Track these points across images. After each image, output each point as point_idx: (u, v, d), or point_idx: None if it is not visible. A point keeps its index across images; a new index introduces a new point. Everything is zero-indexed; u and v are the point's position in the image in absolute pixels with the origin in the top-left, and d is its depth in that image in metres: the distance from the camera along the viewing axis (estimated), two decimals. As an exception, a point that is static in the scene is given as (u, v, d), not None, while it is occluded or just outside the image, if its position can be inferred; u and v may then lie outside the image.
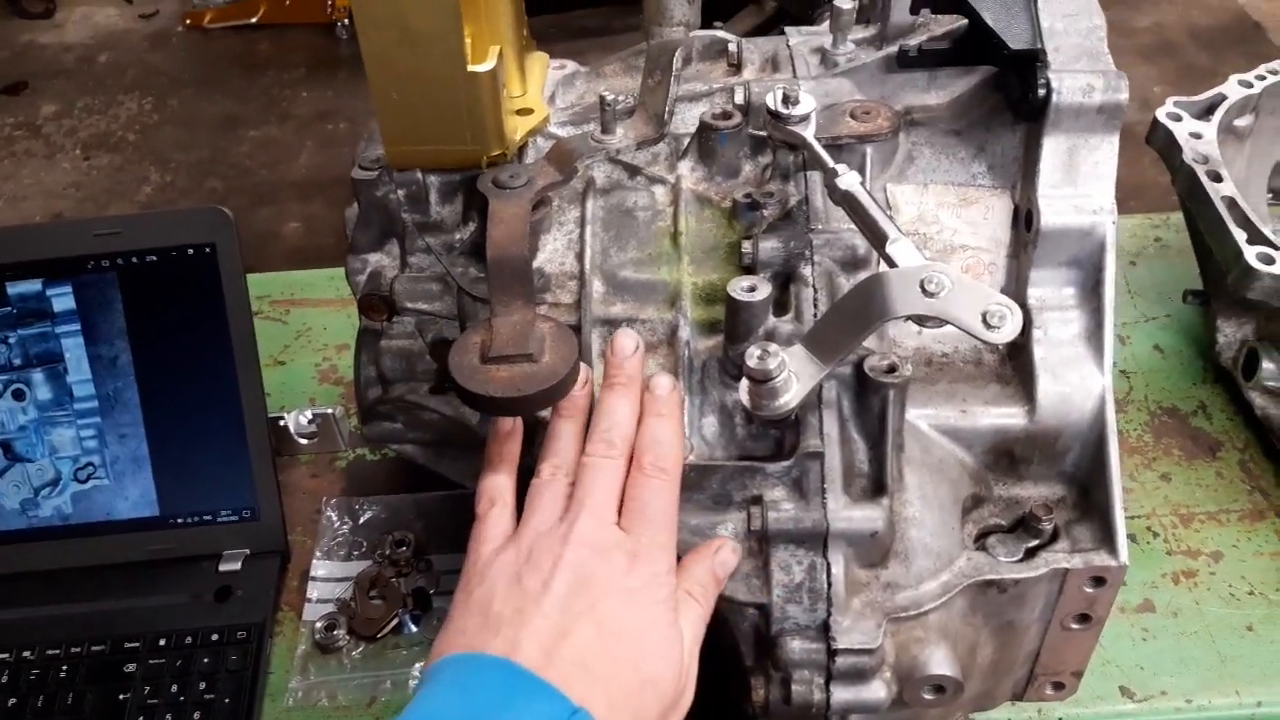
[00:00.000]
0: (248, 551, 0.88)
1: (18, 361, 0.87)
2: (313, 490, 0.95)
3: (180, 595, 0.86)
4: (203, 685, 0.80)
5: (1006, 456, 0.65)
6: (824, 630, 0.59)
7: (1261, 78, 1.01)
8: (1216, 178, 0.91)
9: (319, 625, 0.83)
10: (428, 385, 0.74)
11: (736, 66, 0.75)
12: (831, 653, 0.58)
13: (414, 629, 0.84)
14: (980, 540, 0.63)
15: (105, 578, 0.88)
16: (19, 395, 0.88)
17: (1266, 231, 0.85)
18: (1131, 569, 0.84)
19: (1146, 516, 0.90)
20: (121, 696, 0.80)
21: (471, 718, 0.50)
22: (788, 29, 0.76)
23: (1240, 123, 1.01)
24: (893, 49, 0.68)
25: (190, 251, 0.85)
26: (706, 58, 0.76)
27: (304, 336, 1.09)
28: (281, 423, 0.96)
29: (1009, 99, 0.65)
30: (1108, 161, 0.62)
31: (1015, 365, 0.65)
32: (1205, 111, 0.98)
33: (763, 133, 0.66)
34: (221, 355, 0.86)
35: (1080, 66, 0.62)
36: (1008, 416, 0.63)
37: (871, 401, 0.60)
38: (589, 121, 0.72)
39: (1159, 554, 0.87)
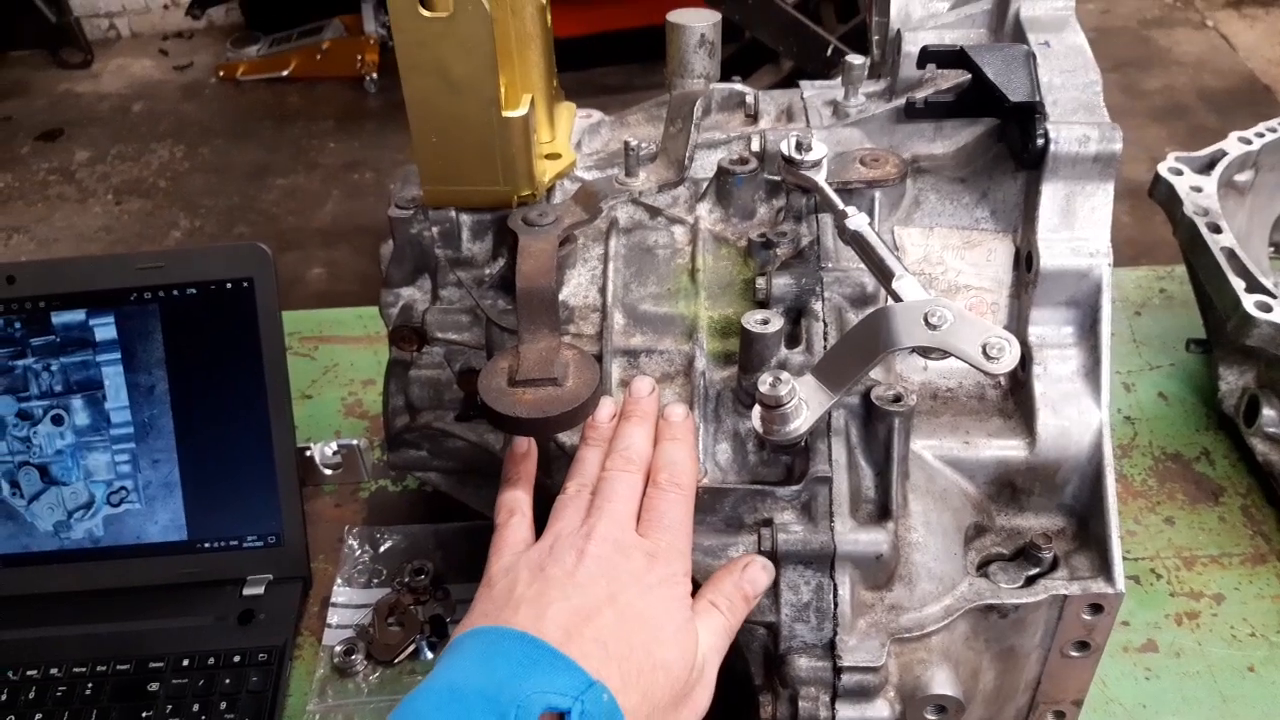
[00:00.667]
0: (271, 577, 0.90)
1: (59, 388, 0.90)
2: (336, 519, 0.98)
3: (205, 617, 0.88)
4: (224, 705, 0.82)
5: (1008, 487, 0.67)
6: (830, 649, 0.61)
7: (1261, 135, 1.05)
8: (1216, 229, 0.94)
9: (338, 649, 0.85)
10: (454, 413, 0.77)
11: (753, 117, 0.79)
12: (837, 671, 0.60)
13: (430, 655, 0.86)
14: (982, 568, 0.66)
15: (132, 599, 0.90)
16: (58, 420, 0.91)
17: (1264, 281, 0.88)
18: (1135, 610, 0.87)
19: (1150, 559, 0.92)
20: (145, 715, 0.82)
21: (493, 685, 0.51)
22: (802, 83, 0.80)
23: (1241, 178, 1.04)
24: (900, 101, 0.71)
25: (229, 286, 0.89)
26: (725, 108, 0.81)
27: (331, 372, 1.12)
28: (308, 453, 0.98)
29: (1010, 148, 0.68)
30: (1103, 207, 0.65)
31: (1016, 400, 0.68)
32: (1206, 166, 1.02)
33: (777, 177, 0.70)
34: (254, 386, 0.89)
35: (1077, 119, 0.65)
36: (1009, 448, 0.66)
37: (878, 429, 0.63)
38: (613, 166, 0.76)
39: (1162, 595, 0.89)
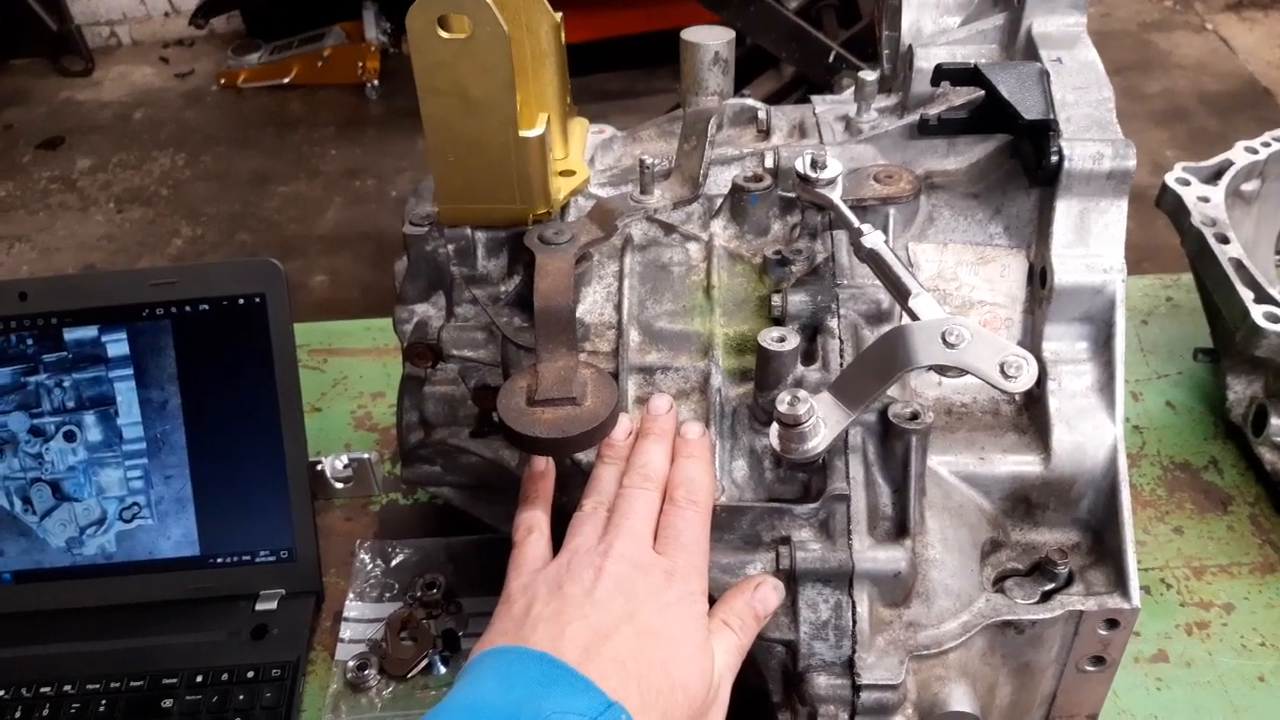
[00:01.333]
0: (284, 592, 0.90)
1: (71, 404, 0.90)
2: (347, 533, 0.98)
3: (218, 633, 0.88)
4: (238, 720, 0.82)
5: (1023, 503, 0.67)
6: (849, 666, 0.61)
7: (1267, 144, 1.05)
8: (1224, 239, 0.94)
9: (350, 664, 0.85)
10: (468, 429, 0.77)
11: (766, 132, 0.79)
12: (856, 688, 0.60)
13: (443, 670, 0.86)
14: (998, 583, 0.66)
15: (145, 615, 0.90)
16: (70, 436, 0.91)
17: (1273, 291, 0.88)
18: (1145, 620, 0.87)
19: (1160, 569, 0.92)
20: (159, 731, 0.82)
21: (510, 706, 0.51)
22: (814, 97, 0.81)
23: (1247, 187, 1.04)
24: (914, 118, 0.72)
25: (241, 301, 0.89)
26: (737, 124, 0.81)
27: (340, 385, 1.12)
28: (319, 467, 0.98)
29: (1024, 165, 0.69)
30: (1117, 223, 0.65)
31: (1031, 415, 0.68)
32: (1213, 176, 1.02)
33: (791, 194, 0.70)
34: (267, 401, 0.89)
35: (1090, 135, 0.65)
36: (1024, 464, 0.66)
37: (895, 447, 0.63)
38: (627, 182, 0.77)
39: (1172, 605, 0.89)
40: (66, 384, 0.91)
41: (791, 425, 0.59)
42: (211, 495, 0.91)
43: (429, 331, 0.76)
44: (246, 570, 0.91)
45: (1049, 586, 0.65)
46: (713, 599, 0.62)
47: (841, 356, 0.66)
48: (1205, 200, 0.98)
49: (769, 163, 0.72)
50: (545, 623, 0.56)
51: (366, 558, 0.94)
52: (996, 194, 0.71)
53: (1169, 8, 3.66)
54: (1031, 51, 0.70)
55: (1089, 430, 0.65)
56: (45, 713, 0.84)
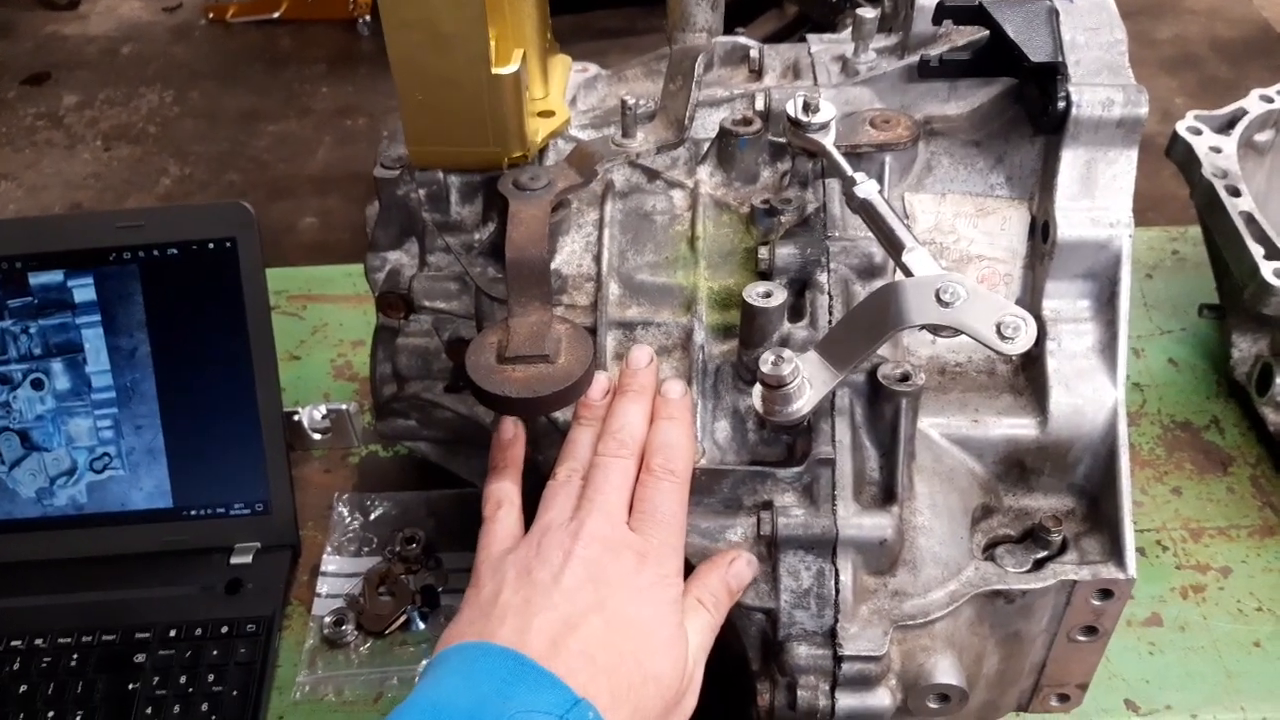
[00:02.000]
0: (259, 545, 0.89)
1: (38, 351, 0.88)
2: (325, 485, 0.96)
3: (191, 587, 0.87)
4: (211, 677, 0.81)
5: (1017, 467, 0.65)
6: (831, 636, 0.59)
7: (1283, 93, 1.01)
8: (1235, 192, 0.91)
9: (328, 620, 0.84)
10: (443, 383, 0.74)
11: (758, 73, 0.75)
12: (838, 659, 0.58)
13: (422, 626, 0.85)
14: (989, 550, 0.64)
15: (118, 568, 0.88)
16: (38, 385, 0.89)
17: (1284, 247, 0.85)
18: (1140, 583, 0.84)
19: (1156, 530, 0.90)
20: (131, 686, 0.80)
21: (475, 704, 0.50)
22: (809, 36, 0.76)
23: (1261, 138, 1.01)
24: (914, 59, 0.68)
25: (211, 246, 0.86)
26: (728, 63, 0.77)
27: (320, 332, 1.10)
28: (295, 418, 0.96)
29: (1029, 111, 0.65)
30: (1126, 175, 0.62)
31: (1028, 376, 0.65)
32: (1226, 126, 0.98)
33: (782, 139, 0.67)
34: (239, 349, 0.87)
35: (1101, 80, 0.62)
36: (1019, 427, 0.63)
37: (884, 409, 0.60)
38: (610, 125, 0.73)
39: (1168, 568, 0.87)
40: (33, 330, 0.88)
41: (775, 386, 0.56)
42: (184, 446, 0.89)
43: (401, 280, 0.73)
44: (221, 523, 0.90)
45: (1041, 554, 0.63)
46: (689, 564, 0.60)
47: (831, 313, 0.62)
48: (1217, 151, 0.94)
49: (760, 105, 0.69)
50: (513, 613, 0.54)
51: (345, 511, 0.93)
52: (999, 142, 0.67)
53: (1184, -51, 3.56)
54: (1040, -12, 0.66)
55: (1088, 393, 0.62)
56: (15, 666, 0.83)
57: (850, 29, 0.71)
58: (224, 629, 0.84)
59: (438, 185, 0.70)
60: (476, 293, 0.69)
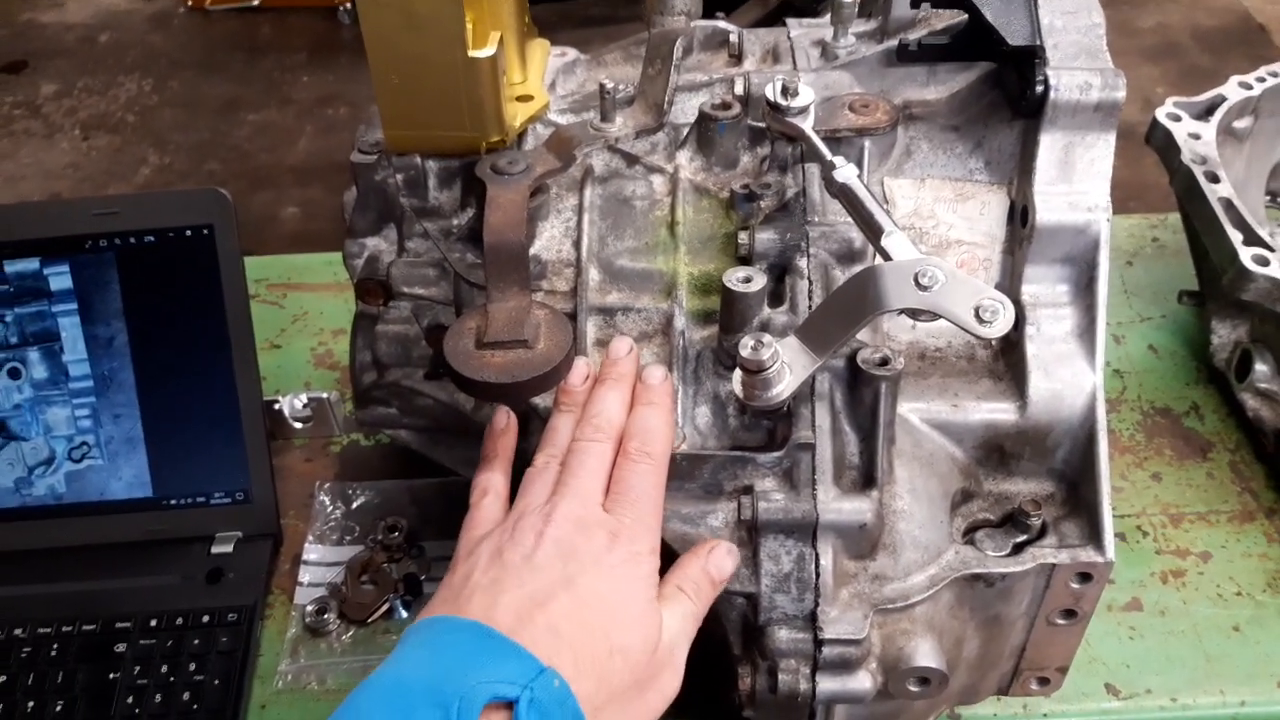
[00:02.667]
0: (240, 534, 0.88)
1: (14, 340, 0.87)
2: (306, 474, 0.95)
3: (172, 576, 0.86)
4: (192, 666, 0.80)
5: (997, 452, 0.65)
6: (811, 620, 0.59)
7: (1262, 79, 1.01)
8: (1214, 179, 0.91)
9: (309, 609, 0.83)
10: (423, 371, 0.74)
11: (737, 57, 0.75)
12: (818, 643, 0.58)
13: (404, 614, 0.84)
14: (969, 534, 0.64)
15: (98, 557, 0.88)
16: (14, 374, 0.88)
17: (1262, 233, 0.86)
18: (1120, 568, 0.86)
19: (1136, 516, 0.90)
20: (112, 676, 0.80)
21: (438, 677, 0.49)
22: (789, 20, 0.76)
23: (1240, 124, 1.01)
24: (893, 43, 0.68)
25: (188, 233, 0.85)
26: (708, 48, 0.77)
27: (300, 321, 1.09)
28: (276, 406, 0.96)
29: (1007, 95, 0.65)
30: (1104, 159, 0.62)
31: (1008, 361, 0.65)
32: (1205, 112, 0.99)
33: (761, 124, 0.66)
34: (217, 337, 0.86)
35: (1079, 64, 0.62)
36: (999, 412, 0.64)
37: (864, 394, 0.60)
38: (589, 109, 0.72)
39: (1148, 553, 0.88)
40: (9, 318, 0.87)
41: (755, 371, 0.56)
42: (163, 435, 0.88)
43: (380, 267, 0.72)
44: (201, 512, 0.89)
45: (1021, 538, 0.63)
46: (671, 551, 0.60)
47: (810, 298, 0.62)
48: (1196, 137, 0.95)
49: (739, 89, 0.68)
50: (481, 592, 0.54)
51: (326, 499, 0.92)
52: (978, 126, 0.67)
53: (1166, -62, 3.57)
54: (1020, -27, 0.66)
55: (1067, 377, 0.63)
56: (-6, 656, 0.82)
57: (830, 13, 0.71)
58: (205, 618, 0.83)
59: (415, 170, 0.69)
60: (455, 278, 0.69)
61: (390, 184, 0.70)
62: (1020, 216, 0.64)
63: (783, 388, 0.56)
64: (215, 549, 0.88)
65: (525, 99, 0.71)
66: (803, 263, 0.64)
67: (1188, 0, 3.27)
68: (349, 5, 3.17)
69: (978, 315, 0.53)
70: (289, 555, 0.89)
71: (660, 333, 0.65)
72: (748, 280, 0.59)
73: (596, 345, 0.65)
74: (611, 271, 0.67)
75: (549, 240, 0.68)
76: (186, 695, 0.79)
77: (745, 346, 0.56)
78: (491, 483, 0.62)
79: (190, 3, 3.35)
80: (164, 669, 0.80)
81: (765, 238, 0.65)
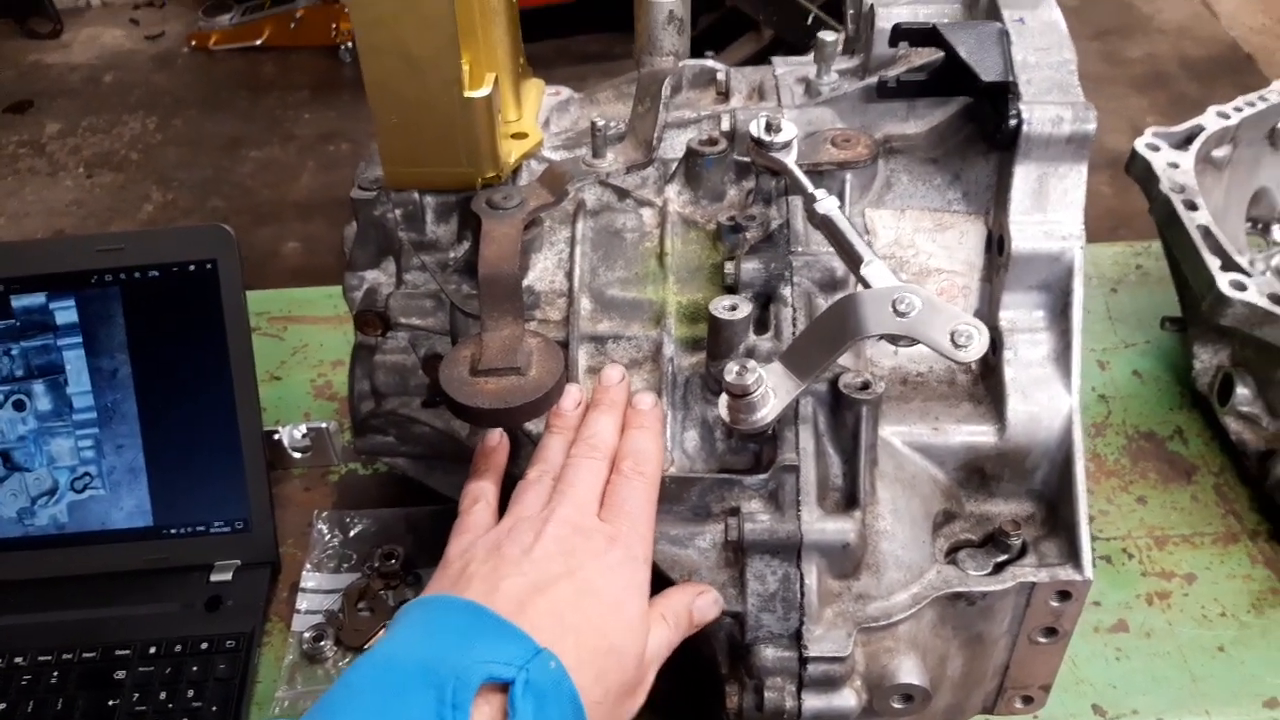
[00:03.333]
0: (239, 562, 0.89)
1: (19, 373, 0.89)
2: (305, 503, 0.97)
3: (171, 604, 0.87)
4: (191, 693, 0.81)
5: (977, 473, 0.67)
6: (796, 639, 0.60)
7: (1239, 109, 1.03)
8: (1192, 206, 0.93)
9: (307, 636, 0.84)
10: (420, 399, 0.76)
11: (725, 94, 0.78)
12: (803, 661, 0.59)
13: (402, 640, 0.85)
14: (951, 554, 0.65)
15: (98, 586, 0.89)
16: (19, 406, 0.90)
17: (1240, 259, 0.87)
18: (1106, 590, 0.87)
19: (1122, 538, 0.92)
20: (111, 703, 0.81)
21: (432, 656, 0.49)
22: (774, 59, 0.79)
23: (1218, 153, 1.03)
24: (873, 80, 0.70)
25: (192, 268, 0.87)
26: (696, 85, 0.79)
27: (300, 353, 1.11)
28: (276, 436, 0.97)
29: (983, 129, 0.67)
30: (1076, 189, 0.64)
31: (987, 385, 0.67)
32: (1184, 142, 1.01)
33: (747, 159, 0.69)
34: (219, 370, 0.88)
35: (1051, 98, 0.64)
36: (979, 434, 0.65)
37: (846, 417, 0.62)
38: (582, 146, 0.75)
39: (1134, 575, 0.89)
40: (15, 352, 0.89)
41: (740, 395, 0.58)
42: (164, 465, 0.90)
43: (378, 299, 0.74)
44: (201, 541, 0.90)
45: (1002, 558, 0.64)
46: (659, 572, 0.61)
47: (794, 325, 0.64)
48: (1175, 166, 0.97)
49: (725, 126, 0.71)
50: (480, 579, 0.54)
51: (324, 528, 0.93)
52: (956, 159, 0.69)
53: (1153, -28, 3.63)
54: (994, 11, 0.69)
55: (1044, 400, 0.64)
56: (-4, 684, 0.83)
57: (814, 52, 0.74)
58: (204, 645, 0.84)
59: (413, 205, 0.71)
60: (451, 309, 0.71)
61: (389, 219, 0.72)
62: (997, 245, 0.66)
63: (767, 411, 0.58)
64: (214, 577, 0.89)
65: (520, 136, 0.73)
66: (787, 291, 0.66)
67: (1176, 30, 3.31)
68: (350, 44, 3.22)
69: (953, 340, 0.55)
70: (287, 583, 0.90)
71: (650, 360, 0.67)
72: (733, 308, 0.61)
73: (588, 372, 0.67)
74: (603, 301, 0.69)
75: (542, 271, 0.70)
76: (185, 721, 0.79)
77: (730, 372, 0.57)
78: (483, 491, 0.63)
79: (194, 43, 3.40)
80: (163, 696, 0.81)
81: (750, 267, 0.67)
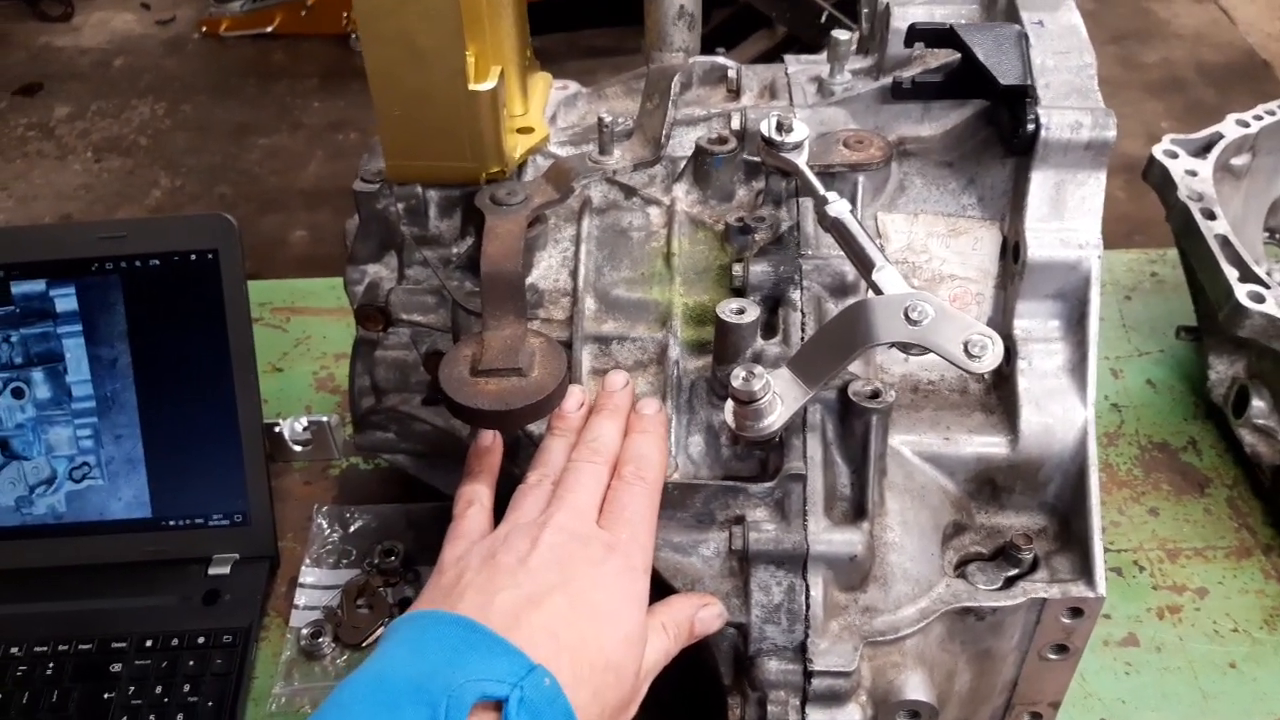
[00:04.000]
0: (237, 556, 0.89)
1: (18, 360, 0.88)
2: (305, 497, 0.96)
3: (169, 597, 0.87)
4: (187, 687, 0.80)
5: (989, 485, 0.65)
6: (801, 652, 0.59)
7: (1259, 117, 1.02)
8: (1210, 215, 0.91)
9: (305, 632, 0.84)
10: (421, 396, 0.75)
11: (735, 92, 0.76)
12: (808, 674, 0.58)
13: (400, 639, 0.84)
14: (960, 568, 0.64)
15: (95, 577, 0.88)
16: (18, 393, 0.89)
17: (1258, 270, 0.86)
18: (1117, 603, 0.86)
19: (1133, 551, 0.90)
20: (106, 696, 0.80)
21: (424, 674, 0.48)
22: (787, 57, 0.77)
23: (1237, 161, 1.02)
24: (888, 80, 0.69)
25: (193, 257, 0.86)
26: (706, 83, 0.78)
27: (303, 344, 1.10)
28: (277, 429, 0.96)
29: (999, 133, 0.66)
30: (1094, 196, 0.63)
31: (1000, 395, 0.66)
32: (1202, 149, 0.99)
33: (757, 159, 0.67)
34: (220, 361, 0.87)
35: (1069, 103, 0.62)
36: (990, 445, 0.64)
37: (855, 426, 0.61)
38: (588, 142, 0.73)
39: (1145, 588, 0.87)
40: (14, 339, 0.88)
41: (746, 402, 0.56)
42: (163, 456, 0.89)
43: (380, 293, 0.73)
44: (199, 533, 0.89)
45: (1013, 572, 0.63)
46: (661, 580, 0.60)
47: (803, 330, 0.63)
48: (1193, 174, 0.95)
49: (735, 124, 0.69)
50: (474, 590, 0.53)
51: (324, 523, 0.93)
52: (971, 163, 0.68)
53: (1171, -26, 3.60)
54: (1013, 13, 0.67)
55: (1058, 412, 0.63)
56: (-9, 675, 0.82)
57: (827, 50, 0.72)
58: (201, 639, 0.83)
59: (416, 199, 0.70)
60: (453, 306, 0.70)
61: (391, 212, 0.71)
62: (1012, 252, 0.65)
63: (774, 419, 0.57)
64: (212, 570, 0.88)
65: (526, 131, 0.72)
66: (796, 295, 0.64)
67: (1192, 36, 3.28)
68: (360, 33, 3.21)
69: (966, 350, 0.53)
70: (285, 578, 0.89)
71: (655, 362, 0.66)
72: (741, 312, 0.60)
73: (592, 374, 0.66)
74: (607, 301, 0.67)
75: (546, 269, 0.69)
76: (180, 716, 0.79)
77: (737, 378, 0.56)
78: (476, 494, 0.62)
79: (205, 29, 3.39)
80: (159, 690, 0.80)
81: (759, 270, 0.65)
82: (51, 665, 0.82)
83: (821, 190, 0.61)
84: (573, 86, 0.79)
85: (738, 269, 0.66)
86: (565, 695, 0.49)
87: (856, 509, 0.61)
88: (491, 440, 0.64)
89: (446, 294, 0.70)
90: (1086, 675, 0.81)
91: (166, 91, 3.13)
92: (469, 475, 0.63)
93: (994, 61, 0.62)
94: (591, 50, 2.88)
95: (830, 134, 0.67)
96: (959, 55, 0.66)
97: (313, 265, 2.37)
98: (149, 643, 0.83)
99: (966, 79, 0.65)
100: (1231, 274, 0.86)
